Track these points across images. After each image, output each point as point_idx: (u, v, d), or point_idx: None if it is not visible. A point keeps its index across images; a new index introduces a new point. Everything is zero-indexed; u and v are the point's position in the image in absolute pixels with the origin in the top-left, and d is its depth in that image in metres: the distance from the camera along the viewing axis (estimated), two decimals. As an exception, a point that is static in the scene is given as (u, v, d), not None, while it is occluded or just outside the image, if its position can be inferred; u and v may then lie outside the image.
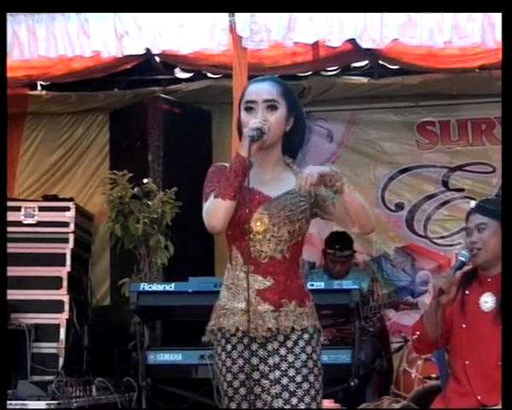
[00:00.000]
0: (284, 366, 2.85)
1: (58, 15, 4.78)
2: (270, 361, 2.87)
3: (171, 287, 4.59)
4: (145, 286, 4.65)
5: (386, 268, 6.34)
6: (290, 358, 2.86)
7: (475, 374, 3.40)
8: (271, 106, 2.93)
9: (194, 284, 4.54)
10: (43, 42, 4.79)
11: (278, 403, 2.83)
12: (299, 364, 2.85)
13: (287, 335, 2.88)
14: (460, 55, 5.08)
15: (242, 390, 2.88)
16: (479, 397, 3.36)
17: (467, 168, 6.32)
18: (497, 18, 4.42)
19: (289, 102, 2.98)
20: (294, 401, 2.82)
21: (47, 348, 5.36)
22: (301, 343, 2.88)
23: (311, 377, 2.85)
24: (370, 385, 5.25)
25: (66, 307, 5.45)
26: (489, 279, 3.51)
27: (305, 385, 2.84)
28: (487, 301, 3.48)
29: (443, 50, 4.89)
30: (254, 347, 2.89)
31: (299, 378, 2.84)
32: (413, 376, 4.69)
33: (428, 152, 6.39)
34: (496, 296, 3.46)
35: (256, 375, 2.88)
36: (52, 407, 4.25)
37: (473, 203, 3.62)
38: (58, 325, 5.41)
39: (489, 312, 3.46)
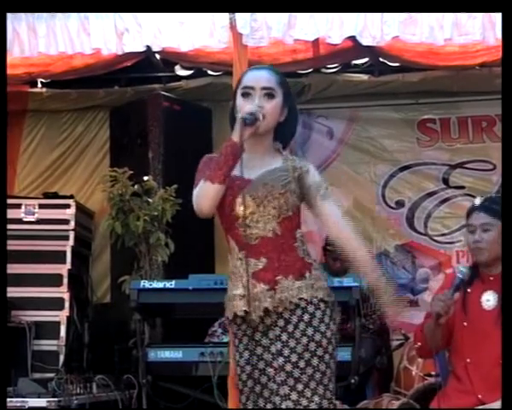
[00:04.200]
0: (286, 351, 2.84)
1: (58, 13, 4.76)
2: (273, 349, 2.86)
3: (171, 284, 4.58)
4: (145, 283, 4.65)
5: (387, 266, 6.34)
6: (292, 343, 2.84)
7: (476, 373, 3.41)
8: (269, 94, 2.95)
9: (195, 282, 4.54)
10: (44, 39, 4.79)
11: (284, 390, 2.82)
12: (300, 349, 2.83)
13: (287, 318, 2.86)
14: (460, 53, 5.08)
15: (250, 383, 2.89)
16: (479, 396, 3.37)
17: (467, 166, 6.31)
18: (497, 15, 4.41)
19: (285, 92, 3.00)
20: (300, 387, 2.81)
21: (47, 345, 5.37)
22: (301, 326, 2.85)
23: (315, 361, 2.82)
24: (371, 382, 5.24)
25: (67, 304, 5.46)
26: (491, 278, 3.50)
27: (309, 370, 2.82)
28: (489, 300, 3.47)
29: (443, 48, 4.88)
30: (257, 336, 2.89)
31: (302, 364, 2.82)
32: (413, 373, 4.68)
33: (429, 149, 6.38)
34: (498, 295, 3.45)
35: (261, 364, 2.88)
36: (52, 404, 4.25)
37: (478, 201, 3.57)
38: (58, 323, 5.42)
39: (491, 310, 3.45)
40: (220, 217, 2.96)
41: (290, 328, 2.85)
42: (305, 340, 2.83)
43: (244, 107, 2.91)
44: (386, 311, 2.97)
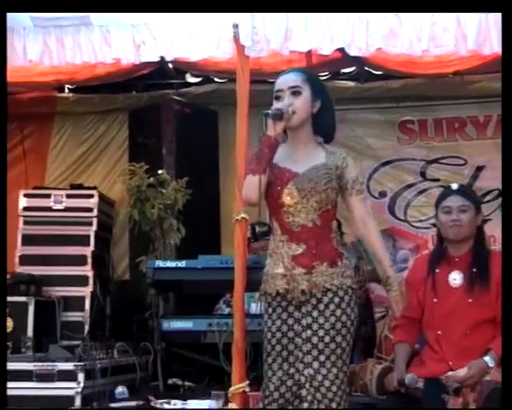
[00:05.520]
0: (315, 326, 2.92)
1: (83, 27, 4.81)
2: (304, 322, 2.94)
3: (182, 264, 4.61)
4: (160, 263, 4.68)
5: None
6: (321, 320, 2.93)
7: (446, 343, 3.44)
8: (295, 91, 3.01)
9: (203, 261, 4.57)
10: (70, 50, 4.81)
11: (308, 359, 2.91)
12: (328, 326, 2.92)
13: (319, 298, 2.93)
14: (436, 62, 5.10)
15: (278, 347, 2.97)
16: (450, 363, 3.39)
17: (442, 161, 6.32)
18: (468, 29, 4.42)
19: (314, 87, 3.06)
20: (322, 358, 2.91)
21: (74, 316, 5.36)
22: (331, 307, 2.93)
23: (339, 338, 2.92)
24: (357, 349, 5.28)
25: (91, 281, 5.45)
26: (456, 259, 3.54)
27: (332, 345, 2.91)
28: (456, 279, 3.50)
29: (421, 58, 4.89)
30: (291, 309, 2.97)
31: (327, 339, 2.91)
32: (393, 341, 4.73)
33: (408, 147, 6.38)
34: (463, 273, 3.50)
35: (291, 334, 2.96)
36: (79, 367, 4.28)
37: (455, 186, 3.58)
38: (84, 297, 5.41)
39: (457, 287, 3.49)
40: (267, 202, 3.01)
41: (321, 307, 2.94)
42: (333, 319, 2.93)
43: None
44: (392, 301, 3.08)
